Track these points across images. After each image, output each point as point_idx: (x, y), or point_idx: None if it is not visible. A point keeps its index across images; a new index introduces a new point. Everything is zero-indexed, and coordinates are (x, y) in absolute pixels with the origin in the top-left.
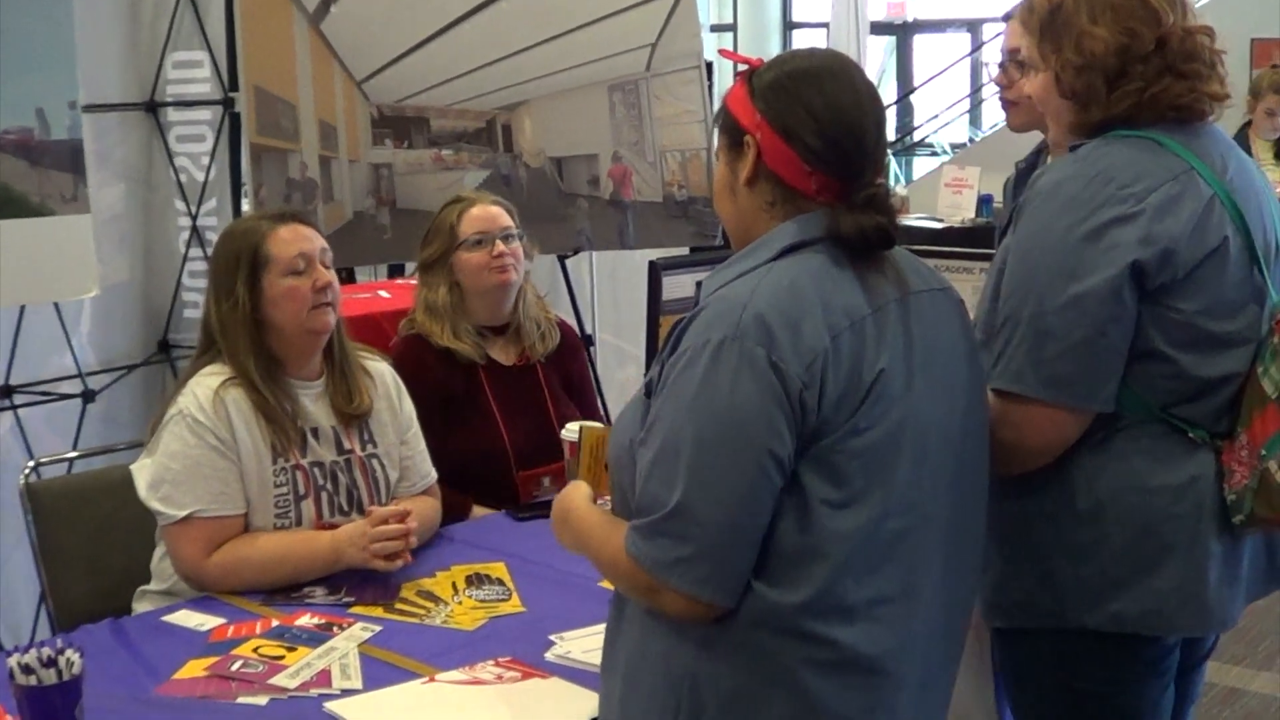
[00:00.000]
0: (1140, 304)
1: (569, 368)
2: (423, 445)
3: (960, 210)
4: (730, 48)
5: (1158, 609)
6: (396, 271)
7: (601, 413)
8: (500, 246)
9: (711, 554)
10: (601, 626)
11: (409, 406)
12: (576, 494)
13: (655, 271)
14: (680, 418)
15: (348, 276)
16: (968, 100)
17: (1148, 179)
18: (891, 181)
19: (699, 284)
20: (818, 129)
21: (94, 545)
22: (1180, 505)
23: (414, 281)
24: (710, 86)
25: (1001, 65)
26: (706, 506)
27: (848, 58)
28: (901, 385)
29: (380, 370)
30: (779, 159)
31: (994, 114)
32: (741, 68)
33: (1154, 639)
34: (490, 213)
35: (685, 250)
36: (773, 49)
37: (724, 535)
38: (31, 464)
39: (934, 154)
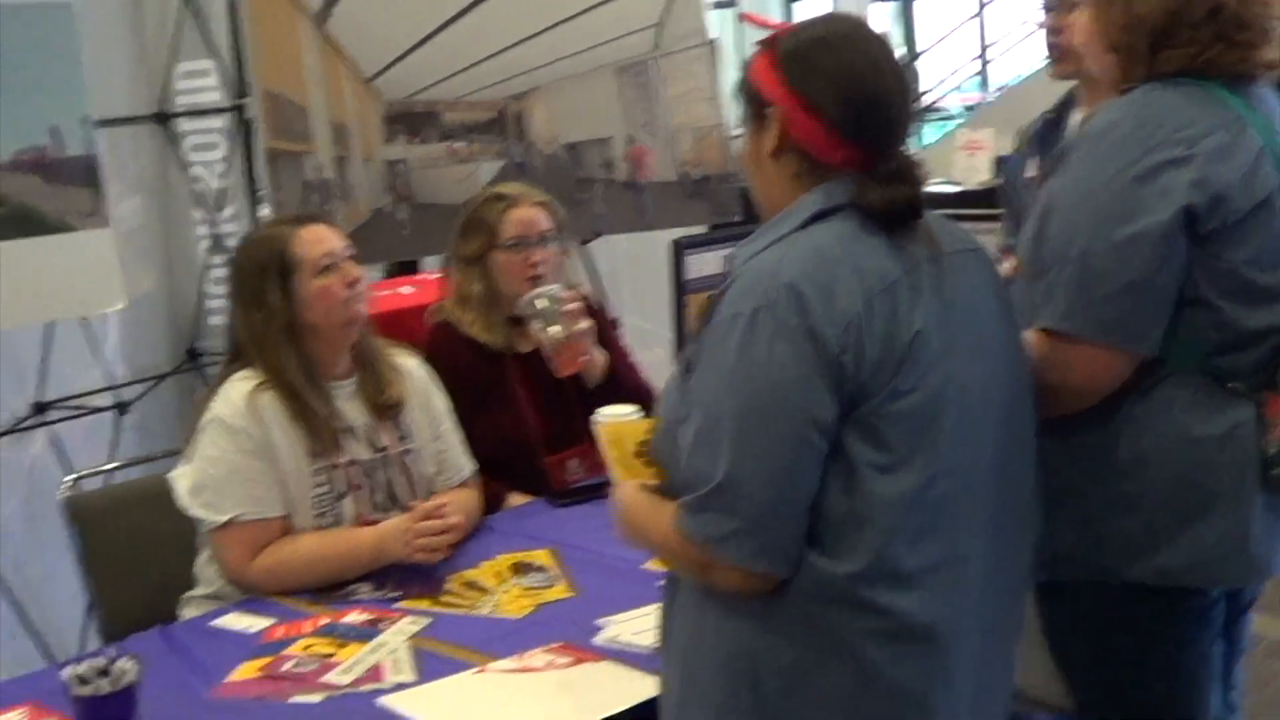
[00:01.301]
0: (1190, 249)
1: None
2: (458, 438)
3: (977, 173)
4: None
5: (1203, 560)
6: (408, 267)
7: (639, 379)
8: (535, 255)
9: (761, 525)
10: (649, 608)
11: (441, 400)
12: (626, 486)
13: (678, 251)
14: (720, 391)
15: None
16: (978, 63)
17: (1200, 124)
18: None
19: (728, 257)
20: (841, 98)
21: (136, 554)
22: (1223, 455)
23: (437, 276)
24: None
25: (1050, 8)
26: (753, 478)
27: (869, 25)
28: (939, 346)
29: (410, 366)
30: (804, 130)
31: (1001, 75)
32: (760, 35)
33: (1198, 591)
34: (532, 216)
35: (704, 228)
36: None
37: (772, 505)
38: (71, 478)
39: (947, 118)
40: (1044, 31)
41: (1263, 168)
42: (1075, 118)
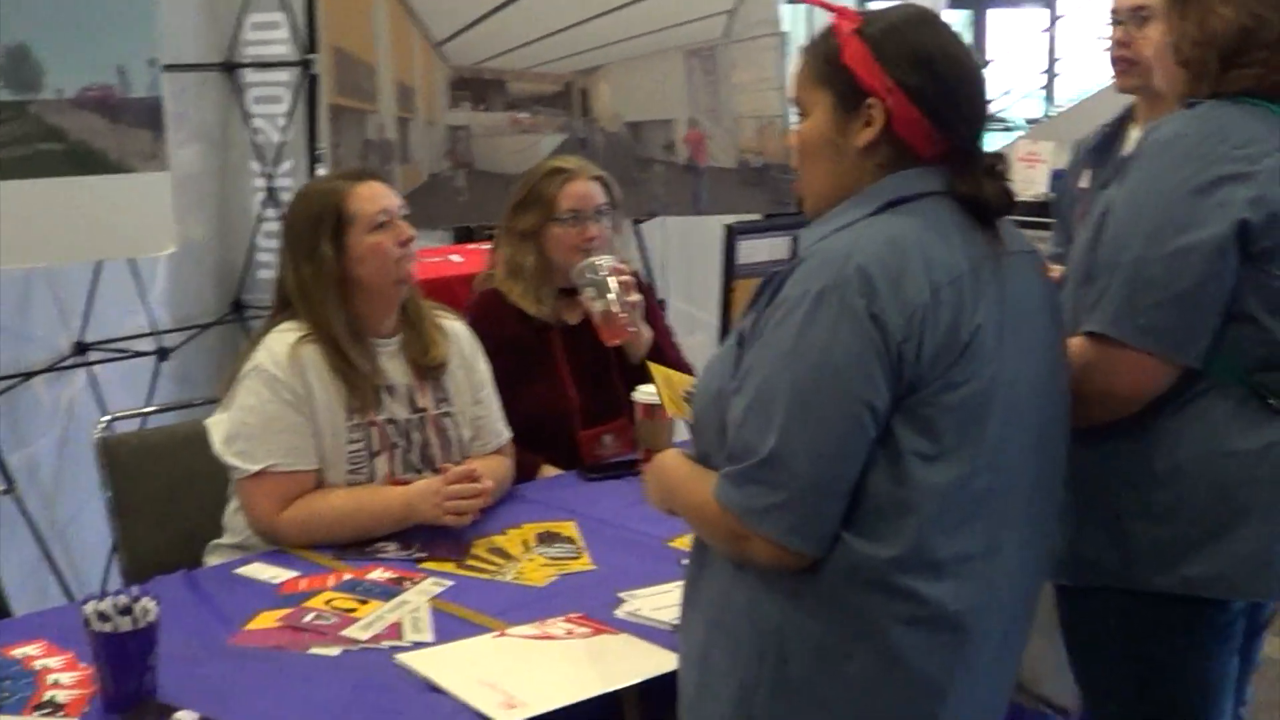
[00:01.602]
0: (1240, 266)
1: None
2: (497, 405)
3: (1034, 185)
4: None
5: (1230, 573)
6: (469, 234)
7: (681, 358)
8: (591, 230)
9: (803, 502)
10: (671, 585)
11: (484, 366)
12: (669, 452)
13: (731, 236)
14: (777, 366)
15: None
16: (1044, 76)
17: (1262, 143)
18: None
19: (795, 238)
20: (944, 92)
21: (166, 500)
22: (1259, 470)
23: (485, 246)
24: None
25: (1120, 21)
26: (800, 455)
27: (934, 11)
28: (994, 344)
29: (456, 329)
30: (907, 123)
31: (1067, 90)
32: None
33: (1221, 604)
34: (588, 190)
35: (758, 217)
36: None
37: (816, 484)
38: (107, 419)
39: (1008, 129)
40: (1111, 44)
41: None
42: (1133, 132)
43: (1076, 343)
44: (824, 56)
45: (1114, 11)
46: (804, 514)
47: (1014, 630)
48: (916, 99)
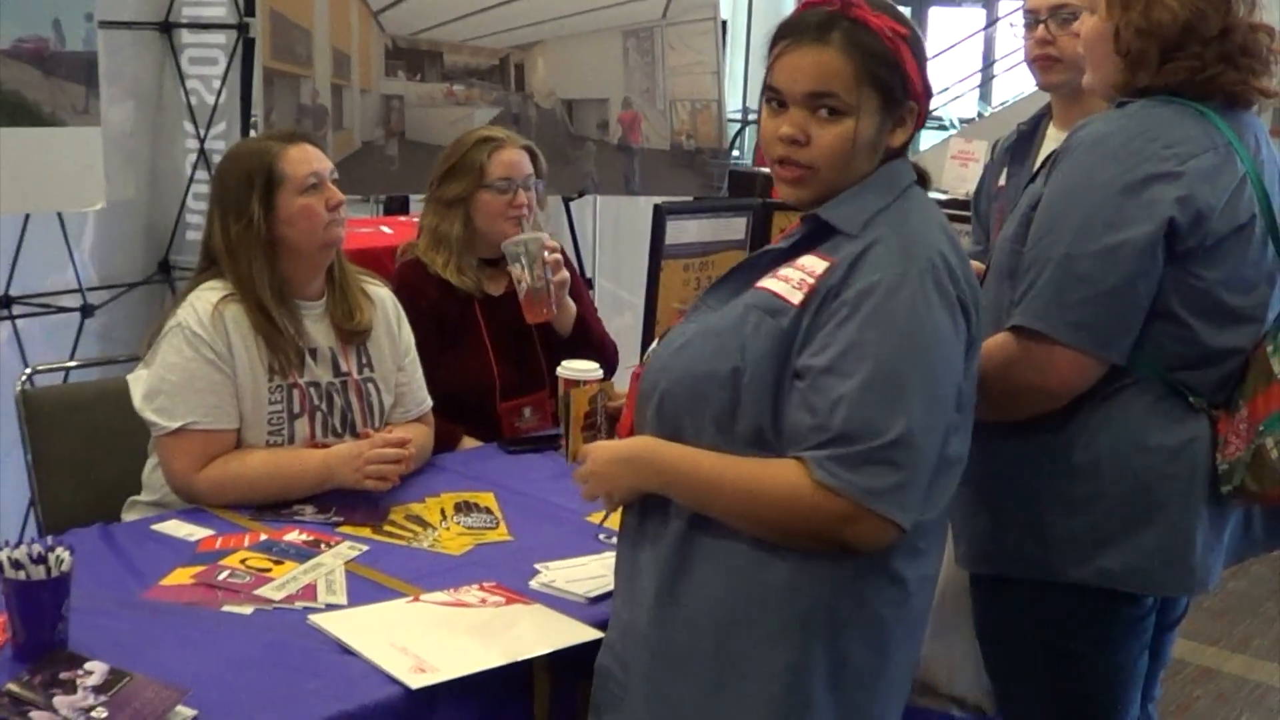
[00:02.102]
0: (1165, 265)
1: None
2: (419, 373)
3: (966, 183)
4: (745, 14)
5: (1145, 567)
6: (401, 205)
7: (605, 335)
8: (521, 197)
9: (920, 481)
10: (587, 559)
11: (408, 333)
12: (651, 441)
13: (660, 216)
14: (896, 345)
15: (401, 206)
16: (979, 76)
17: (1190, 144)
18: None
19: (817, 214)
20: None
21: (86, 455)
22: (1174, 466)
23: (415, 219)
24: (724, 43)
25: (1040, 20)
26: (927, 435)
27: None
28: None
29: (381, 295)
30: (922, 121)
31: (1003, 90)
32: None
33: (1134, 598)
34: (517, 158)
35: (690, 199)
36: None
37: (933, 462)
38: (28, 372)
39: (942, 128)
40: (1030, 44)
41: (1244, 193)
42: (1050, 131)
43: (1001, 338)
44: (878, 58)
45: (1032, 11)
46: (918, 493)
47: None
48: (929, 98)
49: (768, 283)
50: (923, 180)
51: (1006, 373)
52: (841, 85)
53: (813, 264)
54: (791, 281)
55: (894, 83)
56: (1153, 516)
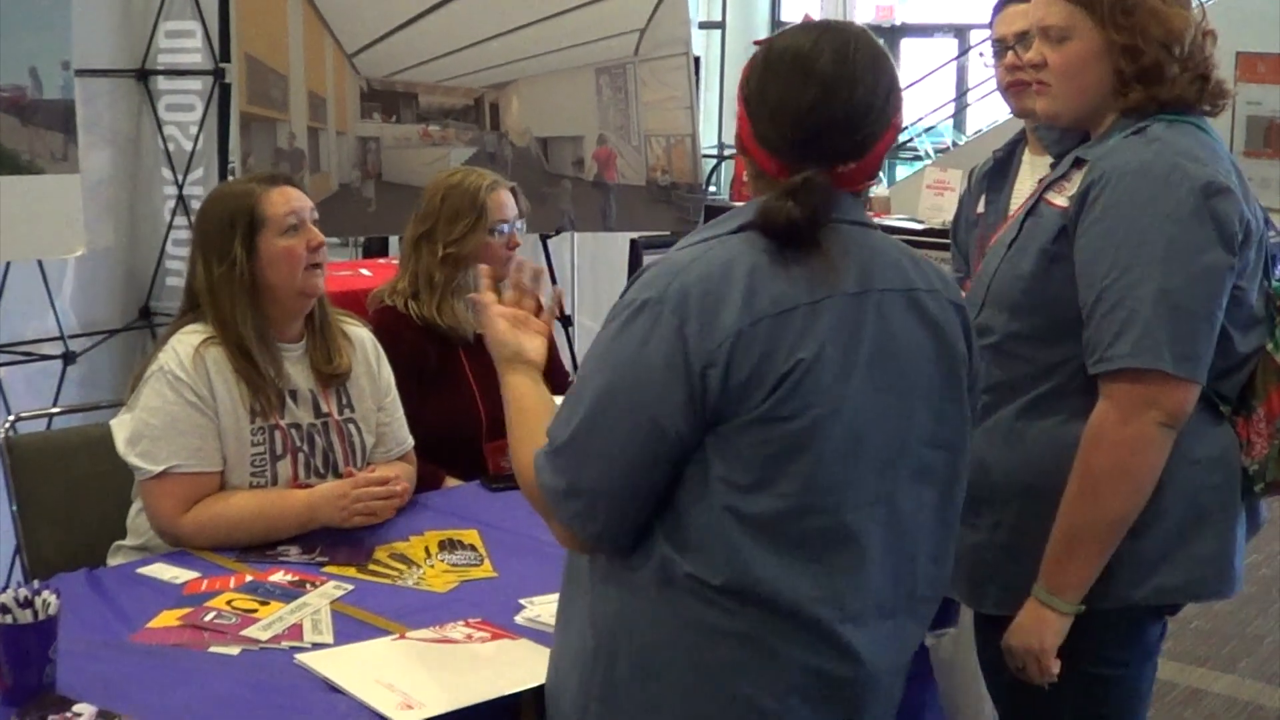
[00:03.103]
0: None
1: None
2: (400, 412)
3: (941, 212)
4: (718, 46)
5: (1199, 577)
6: (379, 246)
7: (562, 368)
8: (516, 237)
9: (586, 495)
10: None
11: (388, 373)
12: (532, 368)
13: (636, 250)
14: (592, 365)
15: (379, 248)
16: (952, 105)
17: (1218, 160)
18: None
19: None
20: (767, 109)
21: (70, 501)
22: (1216, 475)
23: (394, 261)
24: (697, 80)
25: (1009, 47)
26: (587, 451)
27: (846, 39)
28: (833, 378)
29: (360, 335)
30: (744, 134)
31: (978, 119)
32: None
33: (1160, 618)
34: (509, 200)
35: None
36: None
37: (599, 483)
38: (11, 418)
39: (918, 158)
40: (1000, 71)
41: (1252, 199)
42: (1027, 158)
43: (1100, 405)
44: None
45: (999, 40)
46: (587, 506)
47: (890, 684)
48: (749, 111)
49: None
50: (767, 228)
51: (1126, 425)
52: None
53: None
54: None
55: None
56: (1201, 527)
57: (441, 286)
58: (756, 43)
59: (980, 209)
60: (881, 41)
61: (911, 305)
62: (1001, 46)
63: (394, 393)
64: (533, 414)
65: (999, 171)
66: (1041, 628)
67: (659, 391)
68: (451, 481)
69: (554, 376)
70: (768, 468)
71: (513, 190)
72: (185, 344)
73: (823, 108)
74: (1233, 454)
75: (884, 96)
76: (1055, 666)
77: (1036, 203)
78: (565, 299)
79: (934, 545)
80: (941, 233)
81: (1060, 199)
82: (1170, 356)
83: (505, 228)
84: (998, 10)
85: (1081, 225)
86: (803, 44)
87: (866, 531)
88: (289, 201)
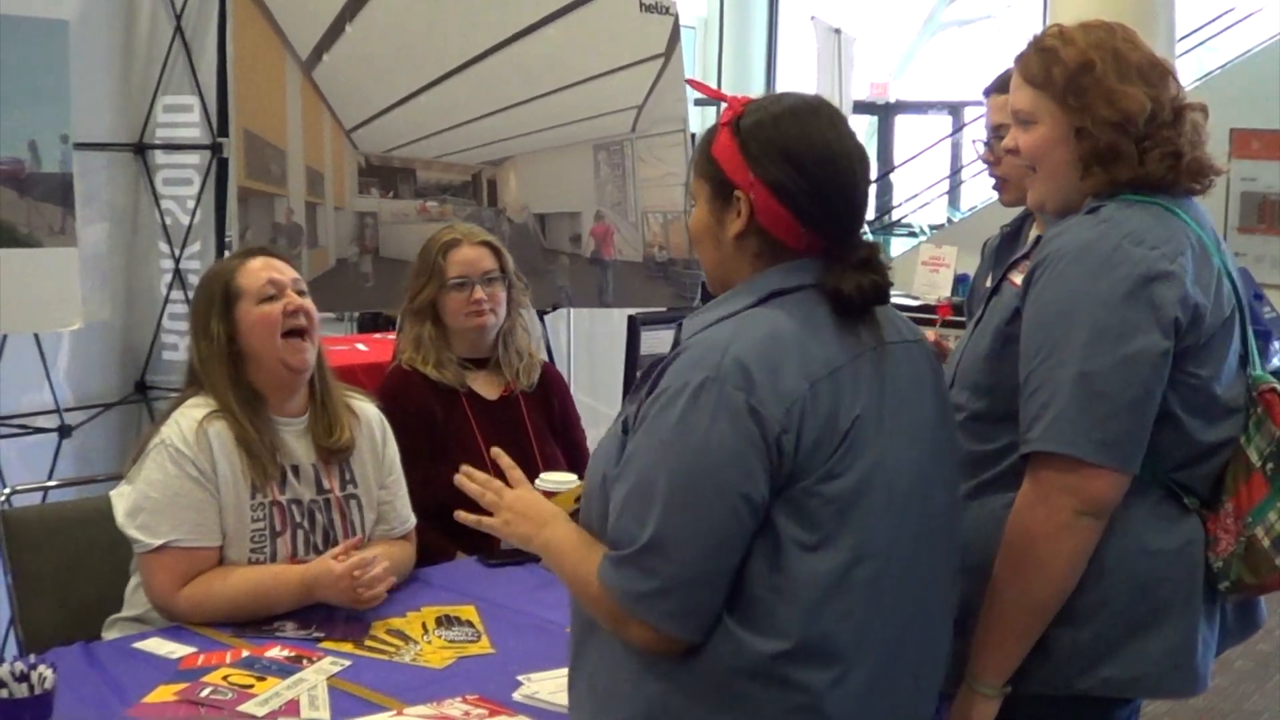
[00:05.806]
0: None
1: (552, 404)
2: (404, 490)
3: (937, 289)
4: (712, 118)
5: (1150, 673)
6: (368, 324)
7: (588, 452)
8: (478, 292)
9: (679, 590)
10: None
11: (393, 451)
12: (560, 521)
13: (634, 326)
14: (656, 456)
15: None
16: (947, 182)
17: (1173, 242)
18: None
19: (679, 325)
20: (808, 187)
21: (67, 574)
22: (1175, 568)
23: (392, 336)
24: None
25: (987, 143)
26: (677, 544)
27: (825, 102)
28: (873, 432)
29: (367, 412)
30: (771, 217)
31: (972, 196)
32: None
33: (1127, 700)
34: (473, 256)
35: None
36: None
37: (693, 573)
38: (7, 491)
39: (912, 234)
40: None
41: (1224, 287)
42: (1034, 233)
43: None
44: (702, 147)
45: (992, 129)
46: (681, 601)
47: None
48: (779, 194)
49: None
50: (839, 299)
51: (1039, 508)
52: (692, 177)
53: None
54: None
55: (713, 171)
56: (1157, 621)
57: (429, 344)
58: (723, 124)
59: (989, 284)
60: (875, 119)
61: (908, 355)
62: (993, 135)
63: (397, 471)
64: (571, 548)
65: (1006, 246)
66: (968, 710)
67: (743, 467)
68: (462, 557)
69: (571, 433)
70: (832, 523)
71: (489, 244)
72: (189, 418)
73: (861, 172)
74: (1196, 549)
75: None
76: None
77: (1000, 282)
78: (562, 375)
79: (947, 595)
80: (934, 309)
81: (1019, 278)
82: (1087, 442)
83: (463, 282)
84: (985, 99)
85: (1024, 305)
86: (806, 107)
87: (902, 579)
88: (265, 270)
